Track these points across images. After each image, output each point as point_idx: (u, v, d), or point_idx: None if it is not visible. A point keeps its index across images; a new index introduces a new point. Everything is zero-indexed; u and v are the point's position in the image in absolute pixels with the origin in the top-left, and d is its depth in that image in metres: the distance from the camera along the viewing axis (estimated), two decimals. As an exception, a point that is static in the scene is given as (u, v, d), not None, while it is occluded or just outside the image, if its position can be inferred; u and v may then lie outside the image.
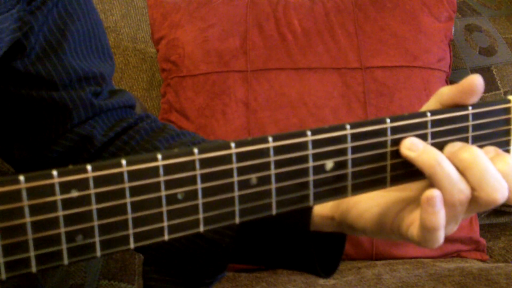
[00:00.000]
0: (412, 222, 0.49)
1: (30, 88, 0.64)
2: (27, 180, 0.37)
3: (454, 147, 0.49)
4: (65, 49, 0.65)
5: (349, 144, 0.47)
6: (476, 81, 0.50)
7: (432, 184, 0.48)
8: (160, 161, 0.41)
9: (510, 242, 1.27)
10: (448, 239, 1.19)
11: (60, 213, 0.38)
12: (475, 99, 0.51)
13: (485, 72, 1.38)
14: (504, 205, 0.62)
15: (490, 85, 1.37)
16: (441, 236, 0.47)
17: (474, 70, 1.38)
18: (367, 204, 0.53)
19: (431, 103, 0.52)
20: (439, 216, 0.47)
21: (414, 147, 0.48)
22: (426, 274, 1.05)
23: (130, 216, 0.40)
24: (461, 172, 0.48)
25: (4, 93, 0.65)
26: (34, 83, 0.64)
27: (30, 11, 0.62)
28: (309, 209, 0.58)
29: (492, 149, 0.51)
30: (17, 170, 0.71)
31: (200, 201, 0.42)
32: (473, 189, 0.48)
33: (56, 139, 0.66)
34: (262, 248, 0.62)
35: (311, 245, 0.59)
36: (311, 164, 0.45)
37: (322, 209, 0.58)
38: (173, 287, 0.66)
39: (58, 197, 0.38)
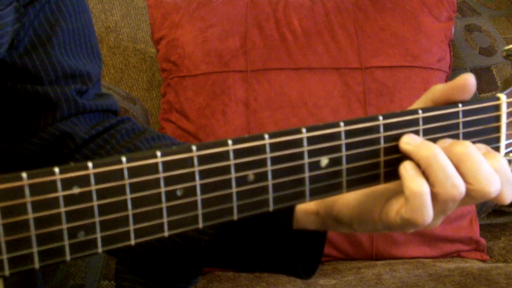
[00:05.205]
0: (401, 207, 0.49)
1: (15, 80, 0.64)
2: (29, 176, 0.37)
3: (446, 142, 0.50)
4: (53, 45, 0.65)
5: (343, 141, 0.47)
6: (470, 79, 0.50)
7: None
8: (160, 158, 0.41)
9: (510, 242, 1.27)
10: (448, 239, 1.20)
11: (62, 209, 0.39)
12: (467, 97, 0.51)
13: (485, 72, 1.38)
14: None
15: (490, 85, 1.37)
16: (428, 202, 0.47)
17: (474, 70, 1.38)
18: (354, 195, 0.54)
19: (422, 101, 0.53)
20: (419, 178, 0.47)
21: (411, 141, 0.49)
22: (426, 274, 1.05)
23: (130, 212, 0.41)
24: (456, 166, 0.48)
25: None
26: (19, 76, 0.64)
27: (24, 5, 0.63)
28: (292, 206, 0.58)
29: (482, 147, 0.52)
30: None
31: (198, 197, 0.43)
32: (467, 182, 0.48)
33: (37, 132, 0.66)
34: (242, 248, 0.62)
35: (293, 244, 0.59)
36: (306, 160, 0.46)
37: (306, 204, 0.57)
38: None
39: (60, 193, 0.38)
